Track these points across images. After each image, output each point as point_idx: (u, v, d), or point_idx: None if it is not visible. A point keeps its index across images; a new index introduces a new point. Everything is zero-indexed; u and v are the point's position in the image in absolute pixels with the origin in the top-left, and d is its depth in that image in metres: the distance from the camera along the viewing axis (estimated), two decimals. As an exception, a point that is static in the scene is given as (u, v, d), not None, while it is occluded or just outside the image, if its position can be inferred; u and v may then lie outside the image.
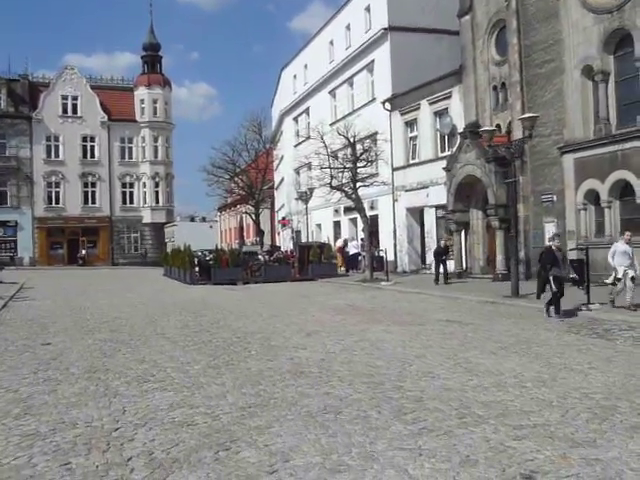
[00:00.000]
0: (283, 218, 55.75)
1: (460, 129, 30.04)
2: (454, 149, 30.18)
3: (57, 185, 63.20)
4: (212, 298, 23.26)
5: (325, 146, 31.71)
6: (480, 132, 22.33)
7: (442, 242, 26.90)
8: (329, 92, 45.37)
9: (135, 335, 13.13)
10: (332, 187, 31.61)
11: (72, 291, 27.91)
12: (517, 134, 24.71)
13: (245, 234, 79.11)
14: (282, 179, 58.42)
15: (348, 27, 42.04)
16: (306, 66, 50.35)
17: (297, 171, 51.96)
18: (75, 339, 12.73)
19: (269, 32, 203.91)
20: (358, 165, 30.99)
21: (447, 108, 31.56)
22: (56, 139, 63.11)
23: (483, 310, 17.58)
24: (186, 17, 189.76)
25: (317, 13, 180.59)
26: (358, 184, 30.83)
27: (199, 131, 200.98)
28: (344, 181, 31.72)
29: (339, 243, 40.15)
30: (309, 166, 46.29)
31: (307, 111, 50.28)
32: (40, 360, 10.34)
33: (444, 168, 29.08)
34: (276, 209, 63.68)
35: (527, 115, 19.51)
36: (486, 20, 28.87)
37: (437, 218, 32.81)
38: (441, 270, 26.22)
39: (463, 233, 29.25)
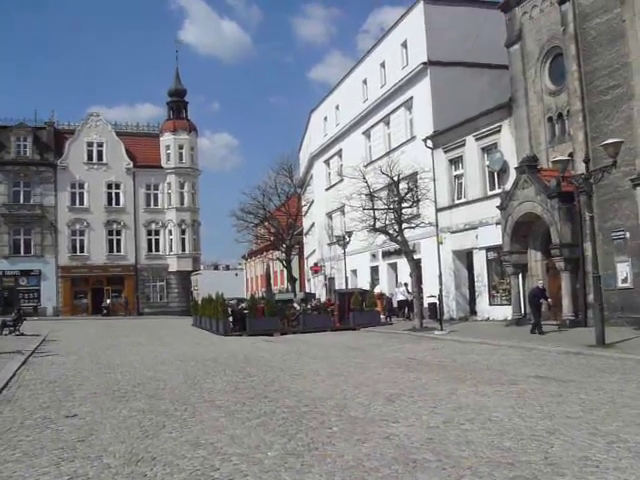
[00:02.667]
0: (315, 264, 53.53)
1: (511, 165, 28.00)
2: (506, 186, 28.06)
3: (82, 233, 61.63)
4: (253, 352, 21.01)
5: (367, 185, 29.63)
6: (553, 162, 20.04)
7: (540, 282, 23.75)
8: (363, 132, 43.57)
9: (179, 403, 10.86)
10: (375, 229, 29.48)
11: (98, 344, 25.77)
12: (580, 167, 22.58)
13: (272, 281, 77.08)
14: (312, 224, 56.44)
15: (383, 64, 40.38)
16: (337, 107, 48.69)
17: (330, 215, 50.00)
18: (106, 409, 10.50)
19: (288, 83, 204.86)
20: (403, 205, 28.85)
21: (496, 143, 29.51)
22: (81, 186, 61.79)
23: (571, 363, 15.22)
24: (207, 69, 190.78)
25: (335, 63, 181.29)
26: (403, 225, 28.64)
27: (221, 181, 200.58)
28: (387, 223, 29.59)
29: (377, 290, 37.84)
30: (342, 210, 44.55)
31: (339, 153, 48.45)
32: (64, 442, 8.10)
33: (498, 207, 26.86)
34: (305, 255, 61.60)
35: (611, 140, 17.32)
36: (538, 48, 26.96)
37: (488, 261, 30.47)
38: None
39: (520, 276, 26.85)
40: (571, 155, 24.10)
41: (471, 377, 13.34)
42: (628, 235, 22.30)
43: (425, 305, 29.77)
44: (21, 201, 59.86)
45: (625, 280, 22.36)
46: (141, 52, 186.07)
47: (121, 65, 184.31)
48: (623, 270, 22.39)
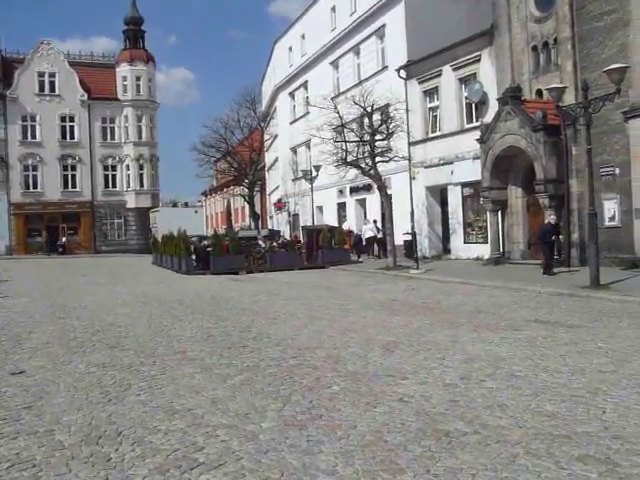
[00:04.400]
0: (279, 200, 51.95)
1: (491, 96, 26.54)
2: (485, 119, 26.65)
3: (34, 168, 58.95)
4: (221, 292, 19.61)
5: (339, 116, 27.90)
6: (547, 90, 18.61)
7: (552, 218, 21.38)
8: (331, 63, 41.55)
9: (145, 355, 9.41)
10: (346, 163, 27.91)
11: (52, 285, 24.10)
12: (569, 99, 21.23)
13: (233, 219, 75.51)
14: (276, 159, 54.58)
15: (353, -10, 38.14)
16: (303, 36, 46.40)
17: (294, 150, 48.24)
18: (60, 363, 9.01)
19: (247, 17, 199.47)
20: (376, 138, 27.28)
21: (475, 73, 27.88)
22: (32, 119, 58.81)
23: (569, 306, 14.08)
24: (163, 1, 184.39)
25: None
26: (377, 159, 27.12)
27: (178, 117, 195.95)
28: (359, 156, 28.06)
29: (345, 226, 36.54)
30: (308, 144, 42.85)
31: (305, 84, 46.38)
32: (6, 411, 6.61)
33: (477, 140, 25.42)
34: (268, 192, 59.90)
35: (616, 66, 15.87)
36: (523, -29, 25.19)
37: (463, 197, 29.20)
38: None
39: (499, 213, 25.65)
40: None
41: (466, 321, 12.14)
42: (617, 171, 21.11)
43: (398, 243, 28.42)
44: (-33, 134, 56.85)
45: (612, 218, 21.26)
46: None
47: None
48: (610, 208, 21.26)
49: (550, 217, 21.22)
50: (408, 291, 18.50)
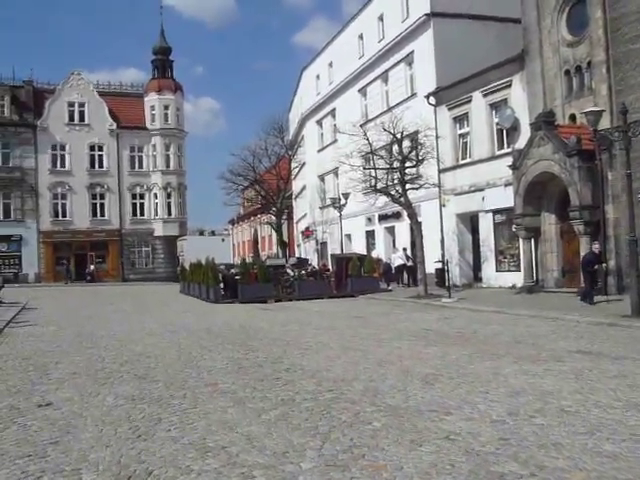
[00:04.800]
0: (307, 229, 51.69)
1: (522, 122, 26.20)
2: (516, 144, 26.31)
3: (63, 197, 59.37)
4: (250, 321, 19.27)
5: (369, 143, 27.66)
6: (583, 113, 18.20)
7: (595, 246, 20.77)
8: (359, 90, 41.49)
9: (175, 387, 9.07)
10: (376, 190, 27.61)
11: (80, 313, 23.94)
12: (604, 123, 20.79)
13: (260, 247, 75.41)
14: (303, 187, 54.47)
15: (381, 17, 38.16)
16: (331, 64, 46.44)
17: (322, 177, 48.07)
18: (87, 394, 8.69)
19: (273, 48, 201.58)
20: (406, 165, 26.98)
21: (506, 99, 27.58)
22: (62, 148, 59.37)
23: (611, 336, 13.57)
24: (190, 32, 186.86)
25: (320, 27, 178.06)
26: (407, 186, 26.79)
27: (204, 146, 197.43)
28: (388, 183, 27.75)
29: (374, 254, 36.15)
30: (336, 172, 42.67)
31: (333, 112, 46.30)
32: (32, 446, 6.28)
33: (510, 166, 25.04)
34: (295, 220, 59.72)
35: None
36: (554, -5, 24.91)
37: (495, 224, 28.74)
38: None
39: (533, 241, 25.15)
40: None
41: (505, 352, 11.67)
42: (654, 197, 20.56)
43: (429, 271, 27.95)
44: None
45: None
46: (125, 16, 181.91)
47: (104, 28, 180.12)
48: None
49: (594, 246, 20.55)
50: (441, 320, 18.05)
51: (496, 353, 11.62)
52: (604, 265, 20.77)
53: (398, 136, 26.97)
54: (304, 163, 52.96)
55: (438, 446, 5.92)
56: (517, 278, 26.44)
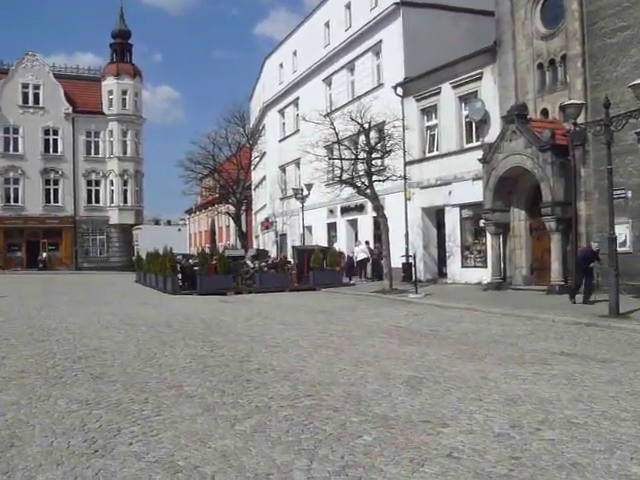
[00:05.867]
0: (266, 220, 50.77)
1: (493, 115, 25.69)
2: (486, 138, 25.83)
3: (16, 182, 57.51)
4: (212, 315, 18.37)
5: (335, 133, 26.87)
6: (562, 107, 17.62)
7: (593, 244, 19.79)
8: (323, 80, 40.62)
9: (135, 389, 8.17)
10: (342, 181, 26.84)
11: (31, 303, 22.74)
12: (579, 118, 20.29)
13: (218, 237, 74.31)
14: (263, 177, 53.52)
15: (348, 5, 37.35)
16: (295, 53, 45.48)
17: (283, 168, 47.19)
18: (36, 398, 7.74)
19: (233, 38, 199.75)
20: (373, 156, 26.27)
21: (476, 91, 26.99)
22: (15, 131, 57.47)
23: (592, 337, 13.06)
24: (150, 19, 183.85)
25: (281, 19, 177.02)
26: (373, 177, 26.08)
27: (162, 135, 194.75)
28: (354, 174, 26.99)
29: (336, 247, 35.40)
30: (298, 162, 41.91)
31: (296, 102, 45.37)
32: (-30, 462, 5.38)
33: (480, 160, 24.48)
34: (254, 211, 58.71)
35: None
36: (529, -14, 24.38)
37: (462, 219, 28.20)
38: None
39: (501, 237, 24.65)
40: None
41: (486, 353, 11.05)
42: (630, 194, 20.17)
43: (394, 265, 27.29)
44: (-53, 145, 55.39)
45: (624, 243, 20.21)
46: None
47: (61, 12, 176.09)
48: (622, 232, 20.19)
49: (592, 242, 19.82)
50: (411, 317, 17.40)
51: (476, 354, 10.98)
52: (601, 262, 19.69)
53: (365, 126, 26.19)
54: (264, 153, 51.99)
55: (443, 466, 5.18)
56: (483, 274, 25.95)
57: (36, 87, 58.40)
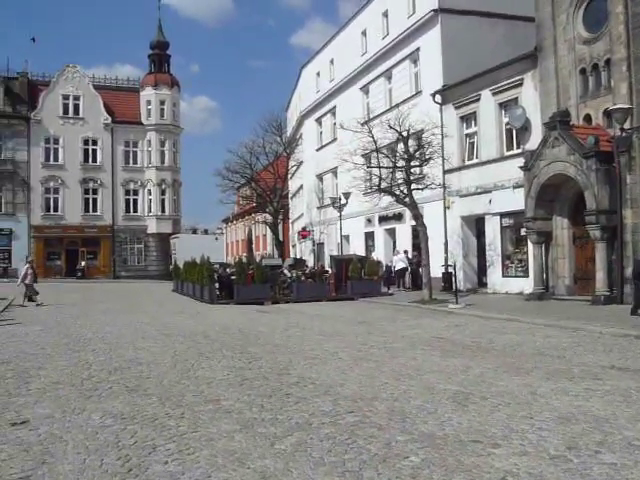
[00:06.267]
0: (303, 229, 50.56)
1: (534, 122, 25.18)
2: (527, 145, 25.37)
3: (56, 191, 58.15)
4: (249, 325, 18.15)
5: (374, 140, 26.56)
6: (609, 112, 17.12)
7: None
8: (361, 88, 40.40)
9: (171, 403, 7.92)
10: (381, 190, 26.51)
11: (68, 311, 22.77)
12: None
13: (254, 246, 74.26)
14: (300, 187, 53.35)
15: (385, 14, 37.11)
16: (332, 61, 45.35)
17: (320, 177, 46.98)
18: (70, 411, 7.54)
19: (269, 48, 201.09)
20: (412, 164, 25.90)
21: (517, 98, 26.52)
22: (56, 141, 58.15)
23: (643, 350, 12.49)
24: (187, 31, 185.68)
25: (316, 29, 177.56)
26: (412, 186, 25.70)
27: (199, 145, 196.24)
28: (392, 183, 26.65)
29: (374, 256, 35.04)
30: (335, 171, 41.74)
31: (333, 110, 45.20)
32: None
33: (521, 167, 23.98)
34: (291, 220, 58.57)
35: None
36: (570, -9, 23.87)
37: (502, 228, 27.66)
38: None
39: (543, 246, 24.09)
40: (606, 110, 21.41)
41: (532, 366, 10.61)
42: (677, 201, 19.57)
43: (433, 275, 26.82)
44: (-9, 155, 56.16)
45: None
46: (123, 12, 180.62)
47: (102, 24, 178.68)
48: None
49: None
50: (452, 328, 16.98)
51: (522, 367, 10.56)
52: None
53: (404, 134, 25.84)
54: (301, 162, 51.82)
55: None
56: (525, 284, 25.41)
57: (76, 98, 59.10)
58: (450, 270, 25.49)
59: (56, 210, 58.00)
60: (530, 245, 24.69)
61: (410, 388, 8.82)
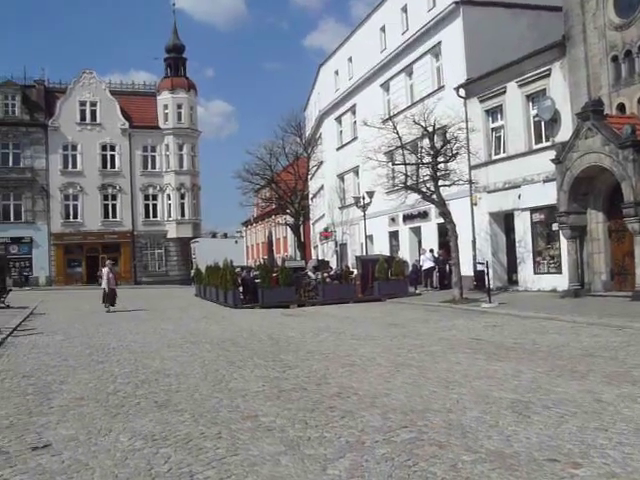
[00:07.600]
0: (325, 230, 49.86)
1: (563, 113, 24.34)
2: (557, 137, 24.51)
3: (75, 198, 58.00)
4: (277, 330, 17.51)
5: (399, 137, 25.83)
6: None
7: None
8: (381, 85, 39.62)
9: (205, 420, 7.26)
10: (407, 187, 25.79)
11: (91, 319, 22.25)
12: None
13: (275, 249, 73.69)
14: (321, 187, 52.67)
15: (404, 9, 36.36)
16: (351, 59, 44.65)
17: (342, 177, 46.29)
18: (96, 432, 6.89)
19: (283, 50, 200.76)
20: (438, 160, 25.15)
21: (545, 89, 25.64)
22: (73, 148, 58.01)
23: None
24: (201, 35, 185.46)
25: (329, 30, 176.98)
26: (439, 182, 24.95)
27: (216, 149, 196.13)
28: (418, 180, 25.91)
29: (399, 256, 34.30)
30: (356, 170, 41.09)
31: (353, 109, 44.46)
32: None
33: (553, 160, 23.15)
34: (312, 221, 57.86)
35: None
36: (600, -26, 23.03)
37: (533, 223, 26.82)
38: None
39: (578, 241, 23.24)
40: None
41: (586, 369, 9.88)
42: None
43: (464, 274, 26.03)
44: (10, 164, 56.15)
45: None
46: (136, 19, 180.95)
47: (116, 31, 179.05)
48: None
49: None
50: (490, 328, 16.24)
51: (576, 370, 9.83)
52: None
53: (430, 129, 25.10)
54: (322, 162, 51.11)
55: None
56: (558, 281, 24.57)
57: (93, 104, 58.92)
58: (482, 268, 24.64)
59: (75, 217, 57.82)
60: (563, 240, 23.85)
61: (462, 397, 8.12)
